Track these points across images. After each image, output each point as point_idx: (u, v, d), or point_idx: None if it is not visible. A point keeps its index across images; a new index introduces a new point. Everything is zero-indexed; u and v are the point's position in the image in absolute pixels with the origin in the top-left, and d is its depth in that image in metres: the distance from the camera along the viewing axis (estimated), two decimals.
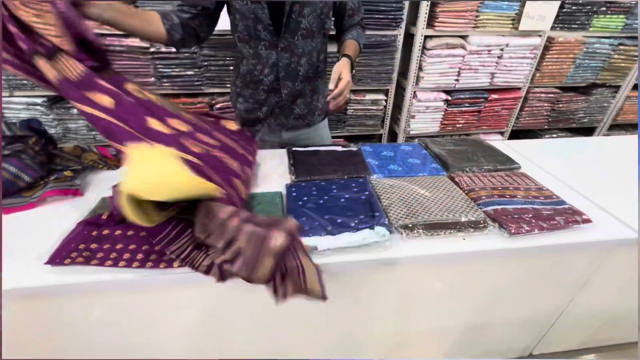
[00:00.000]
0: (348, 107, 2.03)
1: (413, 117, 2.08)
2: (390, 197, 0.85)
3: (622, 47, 2.08)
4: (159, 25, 0.94)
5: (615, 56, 2.10)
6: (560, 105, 2.24)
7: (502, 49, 1.94)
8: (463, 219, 0.78)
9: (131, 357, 0.80)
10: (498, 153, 1.12)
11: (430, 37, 1.88)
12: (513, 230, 0.75)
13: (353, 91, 2.04)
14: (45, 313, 0.69)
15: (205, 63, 1.74)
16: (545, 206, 0.84)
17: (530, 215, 0.80)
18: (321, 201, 0.83)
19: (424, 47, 1.89)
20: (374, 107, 2.05)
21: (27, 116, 1.73)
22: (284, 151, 1.12)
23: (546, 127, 2.34)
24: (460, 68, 1.95)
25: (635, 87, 2.28)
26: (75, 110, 1.76)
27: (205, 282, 0.61)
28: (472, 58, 1.93)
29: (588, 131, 2.49)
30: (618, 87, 2.27)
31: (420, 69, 1.94)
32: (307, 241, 0.69)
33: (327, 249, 0.69)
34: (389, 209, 0.81)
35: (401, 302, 0.86)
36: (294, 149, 1.10)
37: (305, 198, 0.84)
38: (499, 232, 0.77)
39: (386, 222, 0.75)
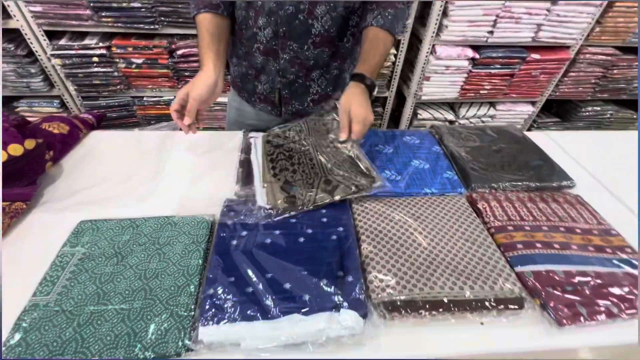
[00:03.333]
0: None
1: (427, 78, 1.66)
2: (375, 239, 0.55)
3: None
4: (221, 23, 0.72)
5: None
6: (615, 72, 1.79)
7: None
8: (484, 291, 0.49)
9: None
10: (540, 156, 0.79)
11: None
12: (564, 319, 0.47)
13: None
14: None
15: None
16: (616, 268, 0.54)
17: (592, 286, 0.51)
18: (268, 240, 0.54)
19: None
20: None
21: None
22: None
23: (589, 97, 1.91)
24: (497, 16, 1.48)
25: None
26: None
27: None
28: (515, 2, 1.45)
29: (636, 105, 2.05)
30: None
31: (444, 14, 1.47)
32: (224, 330, 0.42)
33: (257, 347, 0.42)
34: (370, 263, 0.51)
35: None
36: (260, 135, 0.77)
37: (245, 233, 0.55)
38: (540, 315, 0.49)
39: (361, 296, 0.46)
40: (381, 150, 0.78)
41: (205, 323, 0.42)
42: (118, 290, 0.46)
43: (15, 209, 0.55)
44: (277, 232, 0.55)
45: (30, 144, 0.60)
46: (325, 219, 0.58)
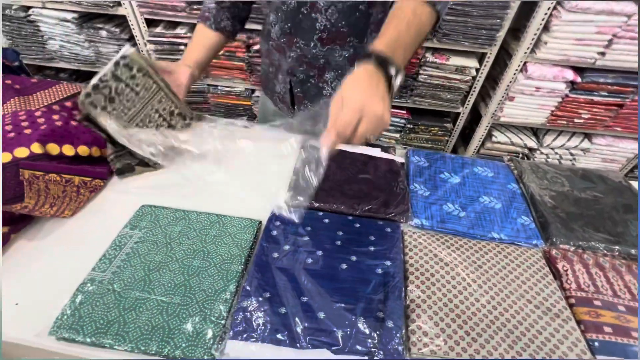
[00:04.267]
0: (421, 72, 1.51)
1: (511, 98, 1.49)
2: (424, 283, 0.49)
3: None
4: (211, 36, 0.79)
5: None
6: None
7: None
8: None
9: None
10: None
11: None
12: None
13: (433, 50, 1.48)
14: None
15: None
16: None
17: None
18: (309, 260, 0.51)
19: None
20: (458, 77, 1.50)
21: (61, 33, 1.59)
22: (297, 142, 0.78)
23: None
24: (615, 35, 1.25)
25: None
26: (104, 33, 1.57)
27: None
28: None
29: None
30: None
31: (545, 28, 1.29)
32: (252, 350, 0.41)
33: None
34: (415, 310, 0.46)
35: None
36: (311, 143, 0.75)
37: (287, 247, 0.53)
38: None
39: (399, 347, 0.41)
40: (445, 178, 0.71)
41: (235, 337, 0.42)
42: (162, 281, 0.48)
43: (95, 185, 0.61)
44: (320, 252, 0.52)
45: None
46: (372, 248, 0.54)
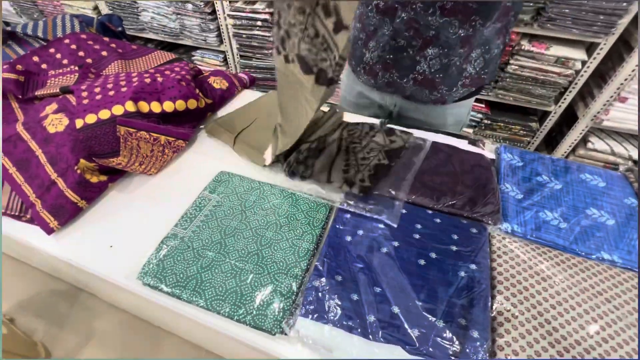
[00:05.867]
0: (511, 61, 1.34)
1: (623, 100, 1.26)
2: (516, 295, 0.43)
3: None
4: None
5: None
6: None
7: None
8: None
9: None
10: None
11: None
12: None
13: (531, 36, 1.30)
14: None
15: None
16: None
17: None
18: (384, 249, 0.48)
19: None
20: (557, 70, 1.30)
21: (154, 5, 1.71)
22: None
23: None
24: None
25: None
26: (190, 6, 1.65)
27: None
28: None
29: None
30: None
31: None
32: (324, 330, 0.39)
33: None
34: (504, 324, 0.40)
35: None
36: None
37: (362, 232, 0.50)
38: None
39: (483, 351, 0.37)
40: (544, 182, 0.61)
41: (306, 315, 0.40)
42: (237, 247, 0.49)
43: (177, 146, 0.64)
44: (396, 243, 0.49)
45: (202, 102, 0.69)
46: (455, 247, 0.49)
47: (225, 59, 1.89)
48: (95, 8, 1.89)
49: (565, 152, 1.50)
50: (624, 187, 0.61)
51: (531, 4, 1.18)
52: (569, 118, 1.49)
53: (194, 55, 1.93)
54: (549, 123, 1.49)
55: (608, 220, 0.55)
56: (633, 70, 1.19)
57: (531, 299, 0.43)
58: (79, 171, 0.54)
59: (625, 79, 1.21)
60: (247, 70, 1.85)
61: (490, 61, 0.72)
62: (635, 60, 1.17)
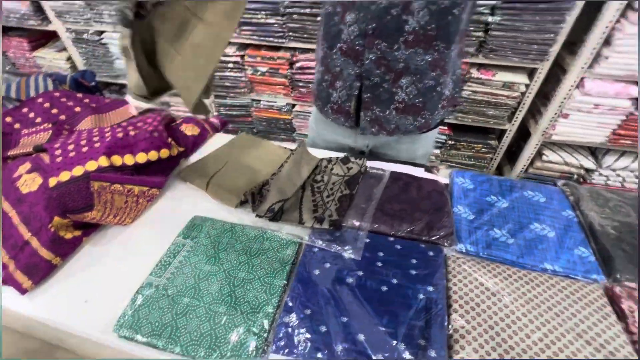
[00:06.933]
0: (465, 88, 1.47)
1: (565, 116, 1.39)
2: (469, 312, 0.48)
3: None
4: None
5: None
6: None
7: None
8: None
9: None
10: None
11: None
12: None
13: (479, 65, 1.44)
14: None
15: (290, 10, 1.42)
16: None
17: None
18: (349, 279, 0.52)
19: (628, 5, 1.13)
20: (505, 93, 1.44)
21: None
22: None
23: None
24: None
25: None
26: None
27: None
28: None
29: None
30: None
31: (607, 42, 1.20)
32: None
33: None
34: (459, 341, 0.44)
35: None
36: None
37: (328, 265, 0.54)
38: None
39: None
40: (492, 202, 0.68)
41: (277, 352, 0.43)
42: (210, 290, 0.51)
43: (151, 194, 0.67)
44: (360, 273, 0.53)
45: (174, 151, 0.73)
46: (414, 271, 0.53)
47: None
48: (69, 59, 1.94)
49: (524, 165, 1.62)
50: (561, 200, 0.68)
51: (474, 38, 1.32)
52: (524, 134, 1.63)
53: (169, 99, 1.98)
54: (507, 140, 1.61)
55: (549, 232, 0.61)
56: (570, 90, 1.33)
57: (482, 314, 0.47)
58: (52, 229, 0.56)
59: (565, 98, 1.35)
60: (222, 107, 1.91)
61: (458, 81, 0.80)
62: (569, 82, 1.31)
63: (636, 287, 0.52)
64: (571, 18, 1.21)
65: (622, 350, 0.44)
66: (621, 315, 0.48)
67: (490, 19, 1.26)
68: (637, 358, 0.43)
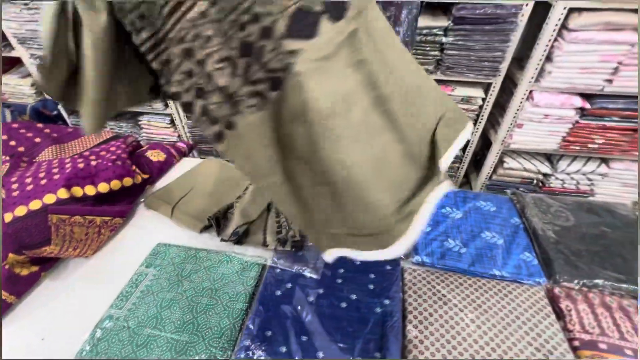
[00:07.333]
0: None
1: (520, 126, 1.49)
2: (423, 322, 0.50)
3: None
4: None
5: None
6: None
7: None
8: None
9: None
10: None
11: (580, 10, 1.22)
12: None
13: (438, 82, 1.53)
14: None
15: None
16: None
17: None
18: (310, 298, 0.53)
19: (563, 26, 1.25)
20: (465, 106, 1.53)
21: None
22: None
23: None
24: (620, 63, 1.26)
25: None
26: None
27: None
28: None
29: None
30: None
31: (548, 59, 1.32)
32: None
33: None
34: (413, 351, 0.47)
35: None
36: None
37: (290, 285, 0.56)
38: None
39: None
40: (447, 213, 0.72)
41: None
42: (172, 318, 0.51)
43: (114, 224, 0.67)
44: (321, 290, 0.55)
45: (138, 178, 0.73)
46: (372, 286, 0.55)
47: (172, 121, 1.94)
48: (33, 84, 1.89)
49: (488, 172, 1.71)
50: (510, 208, 0.74)
51: (430, 57, 1.41)
52: (488, 143, 1.72)
53: (140, 120, 1.96)
54: (470, 150, 1.70)
55: (498, 240, 0.66)
56: (521, 102, 1.43)
57: (435, 323, 0.50)
58: (7, 266, 0.55)
59: (517, 110, 1.46)
60: (195, 129, 1.91)
61: None
62: (520, 95, 1.42)
63: (574, 287, 0.56)
64: (515, 37, 1.31)
65: (559, 347, 0.47)
66: (560, 315, 0.53)
67: (444, 39, 1.35)
68: (572, 357, 0.47)
